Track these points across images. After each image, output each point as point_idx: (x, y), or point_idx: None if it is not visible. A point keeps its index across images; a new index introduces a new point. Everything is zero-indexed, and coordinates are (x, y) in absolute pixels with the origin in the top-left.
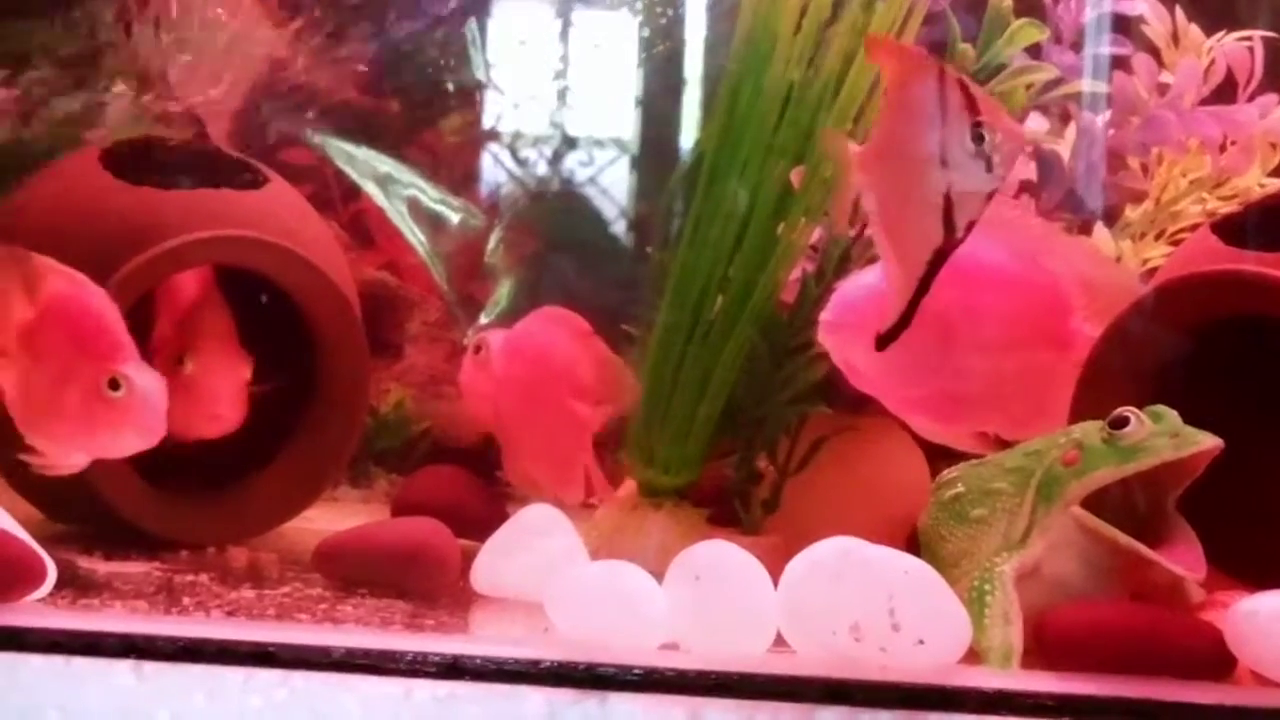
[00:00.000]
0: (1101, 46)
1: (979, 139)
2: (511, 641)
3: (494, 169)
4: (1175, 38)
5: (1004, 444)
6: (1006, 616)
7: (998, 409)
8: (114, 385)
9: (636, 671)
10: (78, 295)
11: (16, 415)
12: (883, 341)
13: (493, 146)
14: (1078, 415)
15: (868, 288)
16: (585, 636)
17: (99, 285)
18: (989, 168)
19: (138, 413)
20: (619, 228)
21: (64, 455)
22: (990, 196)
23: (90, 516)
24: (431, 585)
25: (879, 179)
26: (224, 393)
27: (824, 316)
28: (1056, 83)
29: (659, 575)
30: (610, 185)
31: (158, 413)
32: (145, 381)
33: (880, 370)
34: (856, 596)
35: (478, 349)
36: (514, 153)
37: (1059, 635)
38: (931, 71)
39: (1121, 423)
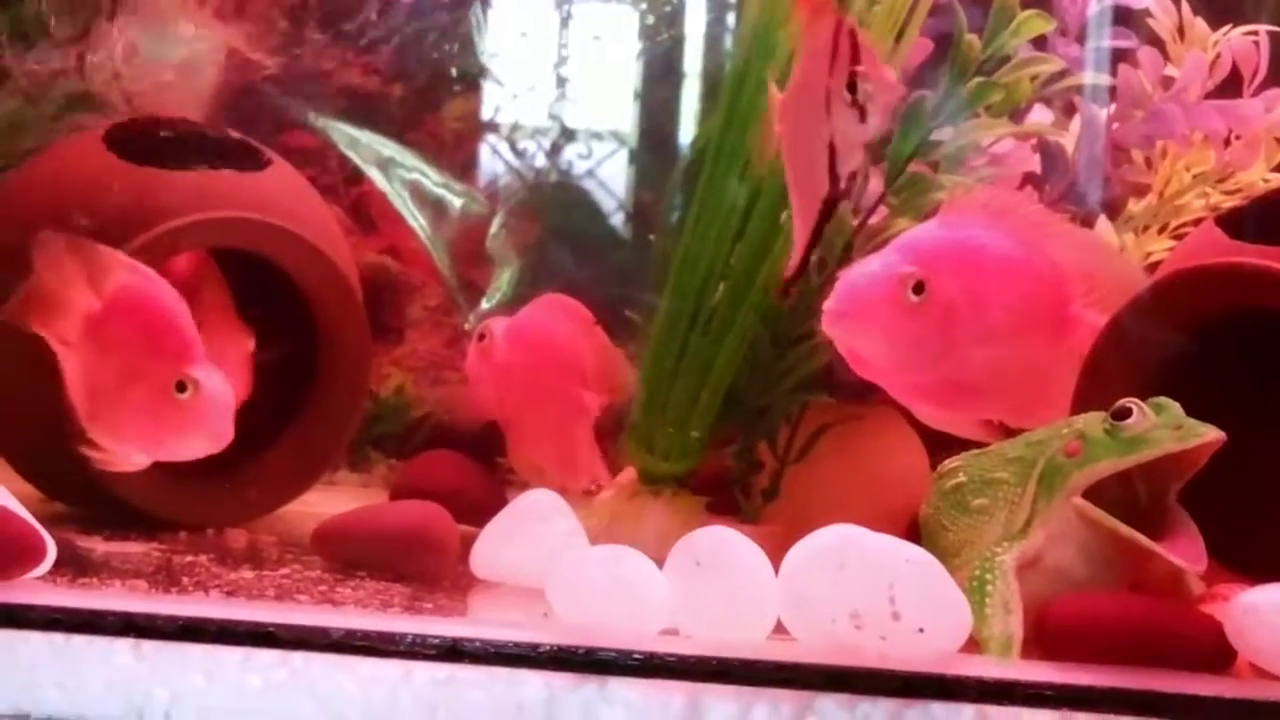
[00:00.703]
0: (1107, 39)
1: (853, 88)
2: (511, 625)
3: (495, 156)
4: (1181, 31)
5: (1009, 431)
6: (1007, 606)
7: (1002, 396)
8: (181, 387)
9: (636, 657)
10: (148, 290)
11: (80, 408)
12: (784, 290)
13: (493, 135)
14: (1080, 406)
15: (871, 276)
16: (585, 621)
17: None
18: (862, 117)
19: (204, 416)
20: (620, 216)
21: (126, 453)
22: (866, 147)
23: (89, 497)
24: (431, 569)
25: (789, 127)
26: (228, 365)
27: (828, 305)
28: (1061, 75)
29: (657, 562)
30: (611, 175)
31: (224, 416)
32: (213, 384)
33: (885, 358)
34: (857, 585)
35: (482, 336)
36: (514, 142)
37: (1059, 625)
38: (829, 19)
39: (1124, 414)
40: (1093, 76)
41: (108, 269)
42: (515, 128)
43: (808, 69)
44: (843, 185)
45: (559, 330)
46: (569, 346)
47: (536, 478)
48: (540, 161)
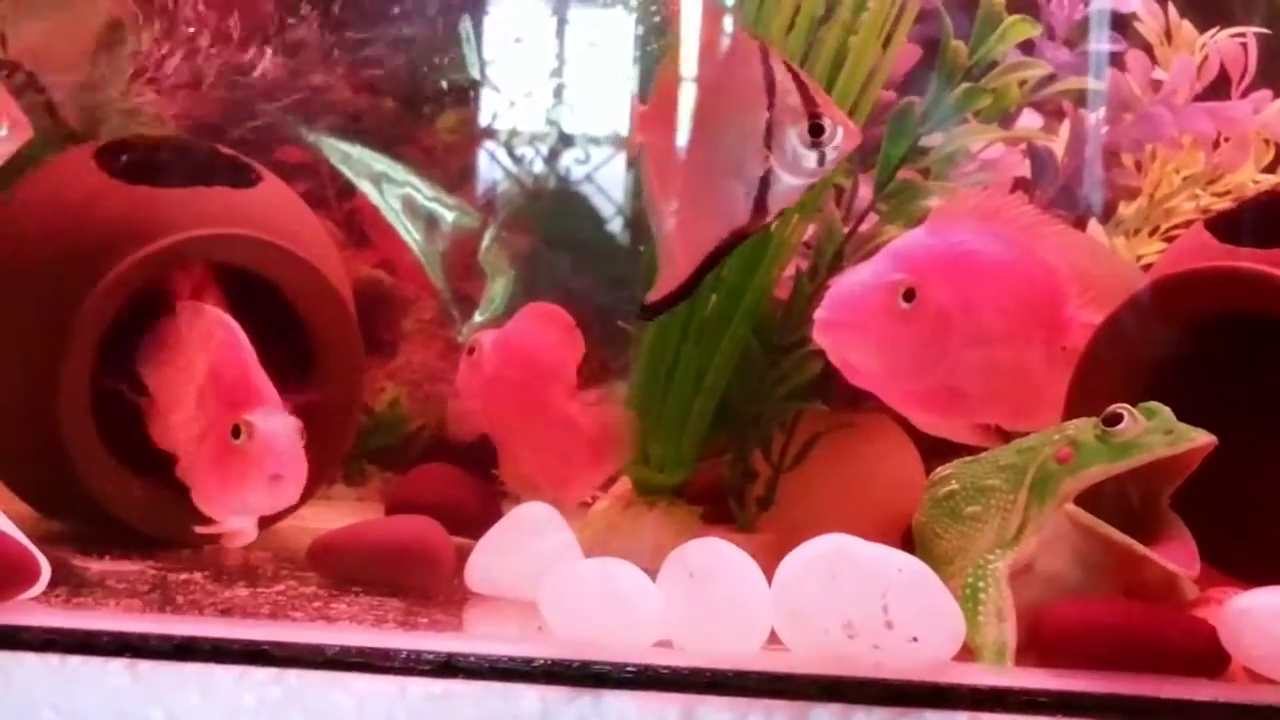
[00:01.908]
0: (1095, 43)
1: (817, 130)
2: (506, 639)
3: (490, 167)
4: (1169, 34)
5: (1005, 435)
6: (1000, 613)
7: (998, 400)
8: (236, 433)
9: (630, 669)
10: (223, 340)
11: (187, 482)
12: (650, 311)
13: (488, 144)
14: (1072, 412)
15: (862, 284)
16: (579, 634)
17: (94, 284)
18: (821, 161)
19: (261, 462)
20: (614, 225)
21: (225, 520)
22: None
23: (83, 514)
24: (426, 583)
25: (660, 141)
26: None
27: (819, 315)
28: (1050, 79)
29: (653, 573)
30: (605, 183)
31: (284, 459)
32: (270, 426)
33: (878, 366)
34: (850, 594)
35: (472, 350)
36: (509, 150)
37: (1053, 632)
38: (755, 53)
39: (1115, 419)
40: (1081, 81)
41: (210, 333)
42: (512, 134)
43: (714, 95)
44: (769, 218)
45: (544, 342)
46: (555, 358)
47: (528, 492)
48: (538, 168)
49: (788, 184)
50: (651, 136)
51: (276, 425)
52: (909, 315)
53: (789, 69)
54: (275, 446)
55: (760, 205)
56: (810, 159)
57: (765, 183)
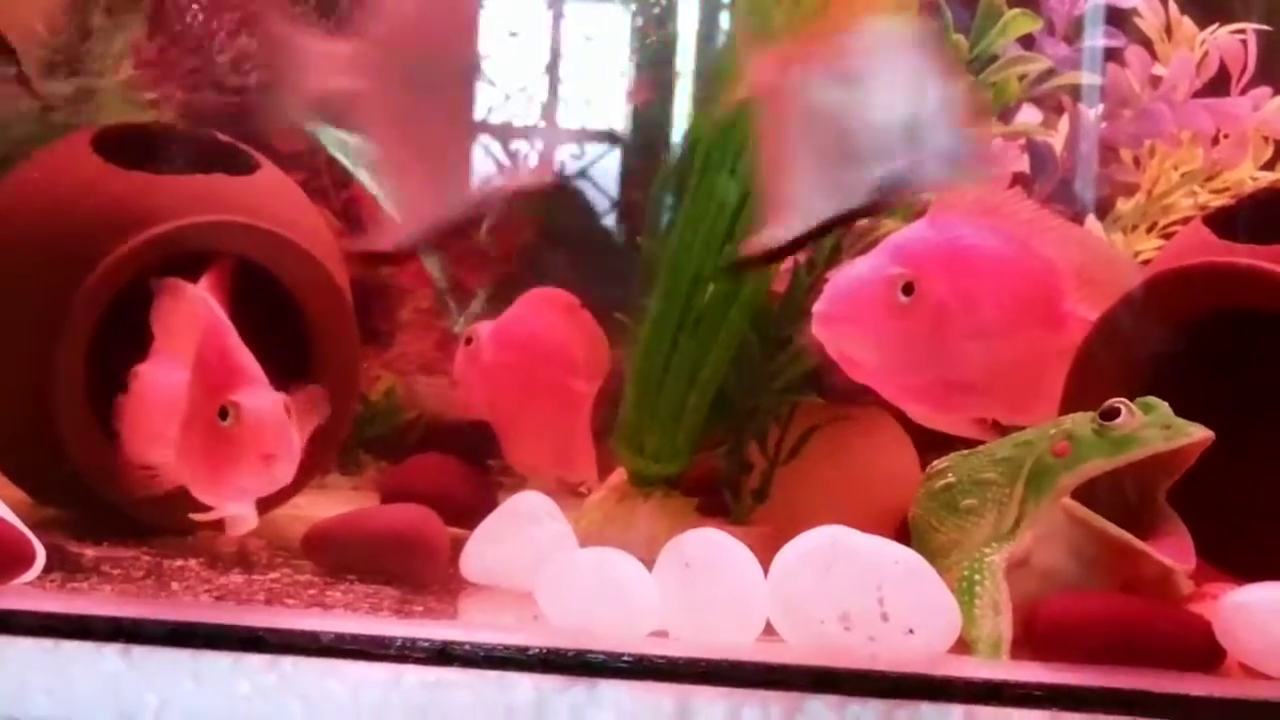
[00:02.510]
0: (1094, 39)
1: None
2: (501, 628)
3: (487, 157)
4: (1168, 30)
5: (1003, 429)
6: (996, 607)
7: (995, 394)
8: (223, 415)
9: (625, 659)
10: (205, 320)
11: (179, 479)
12: (743, 264)
13: (484, 137)
14: (1069, 406)
15: (860, 278)
16: (575, 623)
17: (90, 271)
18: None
19: (250, 442)
20: (610, 218)
21: (223, 506)
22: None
23: (78, 501)
24: (420, 572)
25: (790, 92)
26: None
27: (818, 308)
28: (1049, 74)
29: (648, 564)
30: (601, 176)
31: (274, 438)
32: (257, 404)
33: (876, 360)
34: (846, 586)
35: (469, 340)
36: (505, 142)
37: (1048, 626)
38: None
39: (1112, 414)
40: (1081, 76)
41: (198, 315)
42: (507, 127)
43: (877, 76)
44: (884, 210)
45: (545, 325)
46: (557, 339)
47: (534, 475)
48: (532, 162)
49: (918, 180)
50: (779, 83)
51: (264, 404)
52: (908, 309)
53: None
54: (264, 425)
55: (886, 192)
56: (949, 167)
57: (900, 172)
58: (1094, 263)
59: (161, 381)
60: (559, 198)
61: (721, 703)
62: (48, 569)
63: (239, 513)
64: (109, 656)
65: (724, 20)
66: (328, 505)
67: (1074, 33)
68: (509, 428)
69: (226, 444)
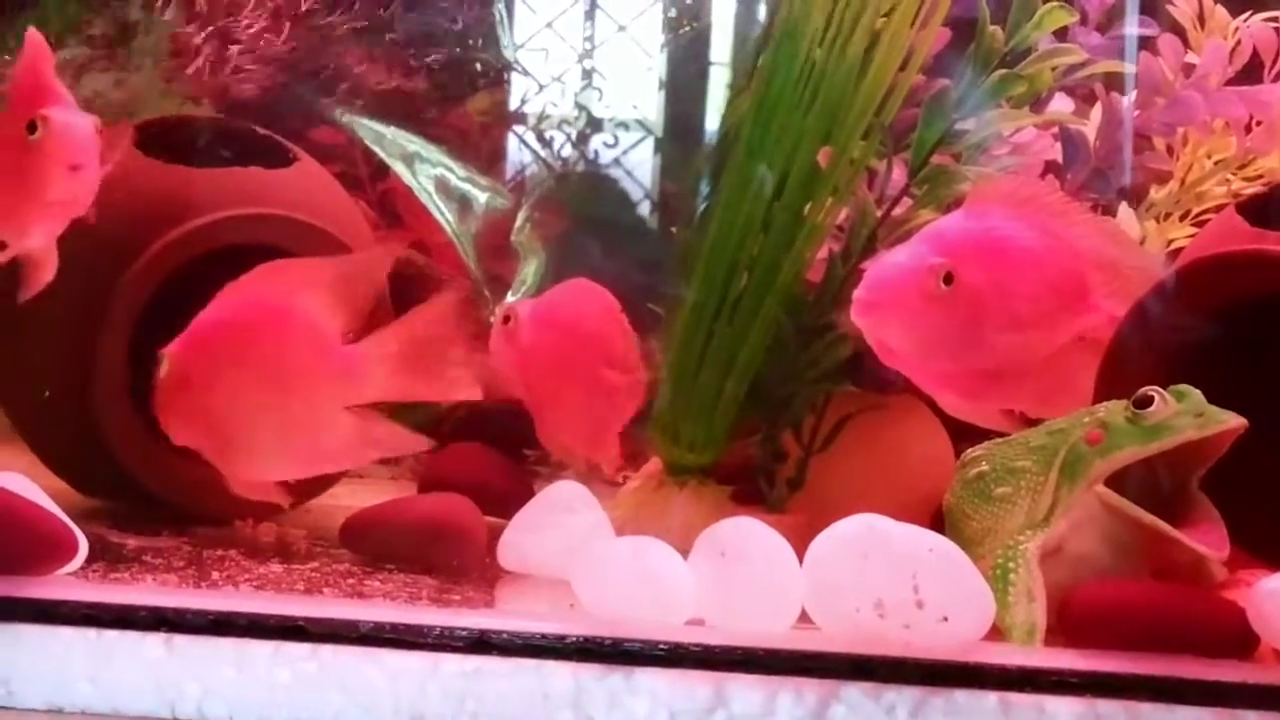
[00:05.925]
0: (1128, 27)
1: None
2: (538, 616)
3: (521, 147)
4: (1201, 18)
5: (1030, 421)
6: (1030, 594)
7: (1024, 385)
8: (31, 128)
9: (662, 647)
10: (27, 50)
11: None
12: None
13: (520, 125)
14: (1102, 395)
15: (901, 266)
16: (611, 612)
17: (131, 265)
18: None
19: (57, 151)
20: (645, 208)
21: (27, 233)
22: None
23: (121, 491)
24: (458, 561)
25: None
26: None
27: (858, 294)
28: (1082, 63)
29: (683, 553)
30: (635, 166)
31: (82, 149)
32: (67, 118)
33: (914, 348)
34: (881, 573)
35: (506, 319)
36: (540, 133)
37: (1082, 613)
38: None
39: (1146, 402)
40: (1114, 65)
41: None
42: (542, 118)
43: None
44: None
45: (586, 312)
46: (596, 328)
47: (567, 456)
48: (567, 151)
49: None
50: None
51: (73, 118)
52: (947, 298)
53: None
54: (73, 137)
55: None
56: None
57: None
58: (1123, 257)
59: None
60: (594, 188)
61: (757, 690)
62: (90, 560)
63: (36, 246)
64: (151, 645)
65: (756, 11)
66: (366, 495)
67: (1107, 21)
68: (543, 408)
69: (34, 157)
